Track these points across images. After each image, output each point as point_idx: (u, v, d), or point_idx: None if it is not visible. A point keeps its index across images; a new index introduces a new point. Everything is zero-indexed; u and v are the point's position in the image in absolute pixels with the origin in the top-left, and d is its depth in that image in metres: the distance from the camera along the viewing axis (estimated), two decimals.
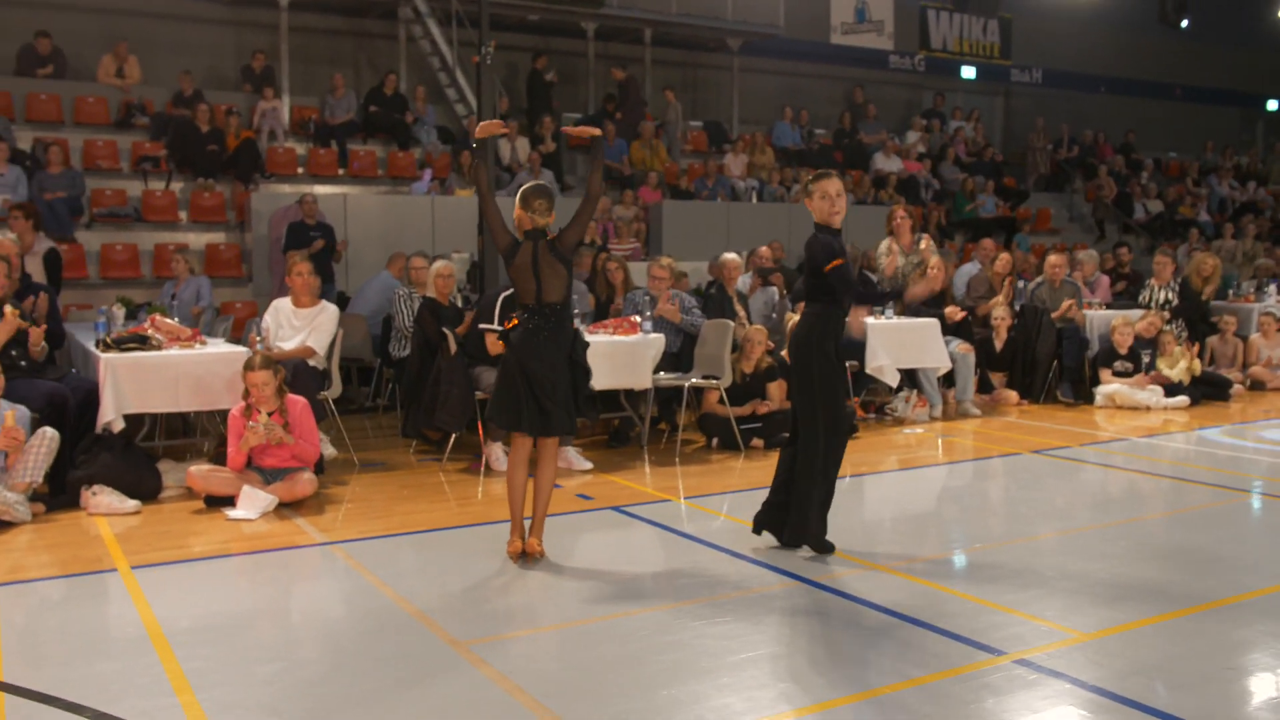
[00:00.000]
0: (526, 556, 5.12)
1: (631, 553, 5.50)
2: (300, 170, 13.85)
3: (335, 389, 7.55)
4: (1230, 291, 12.48)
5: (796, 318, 8.50)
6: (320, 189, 13.41)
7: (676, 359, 8.58)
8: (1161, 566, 5.10)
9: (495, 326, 7.29)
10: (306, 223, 11.47)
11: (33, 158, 12.16)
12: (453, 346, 7.31)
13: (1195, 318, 11.11)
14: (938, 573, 5.03)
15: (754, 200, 15.40)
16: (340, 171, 14.02)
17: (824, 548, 5.25)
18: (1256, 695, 3.61)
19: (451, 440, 7.47)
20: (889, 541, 5.70)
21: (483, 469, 7.30)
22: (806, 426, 5.23)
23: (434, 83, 15.36)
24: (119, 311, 8.52)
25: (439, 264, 8.28)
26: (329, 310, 7.49)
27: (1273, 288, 12.46)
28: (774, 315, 9.79)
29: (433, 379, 7.43)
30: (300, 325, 7.40)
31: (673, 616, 4.39)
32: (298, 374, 7.01)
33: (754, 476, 7.26)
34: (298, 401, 6.44)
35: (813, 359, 5.19)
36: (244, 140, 13.12)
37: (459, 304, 8.86)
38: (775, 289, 9.89)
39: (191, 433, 8.13)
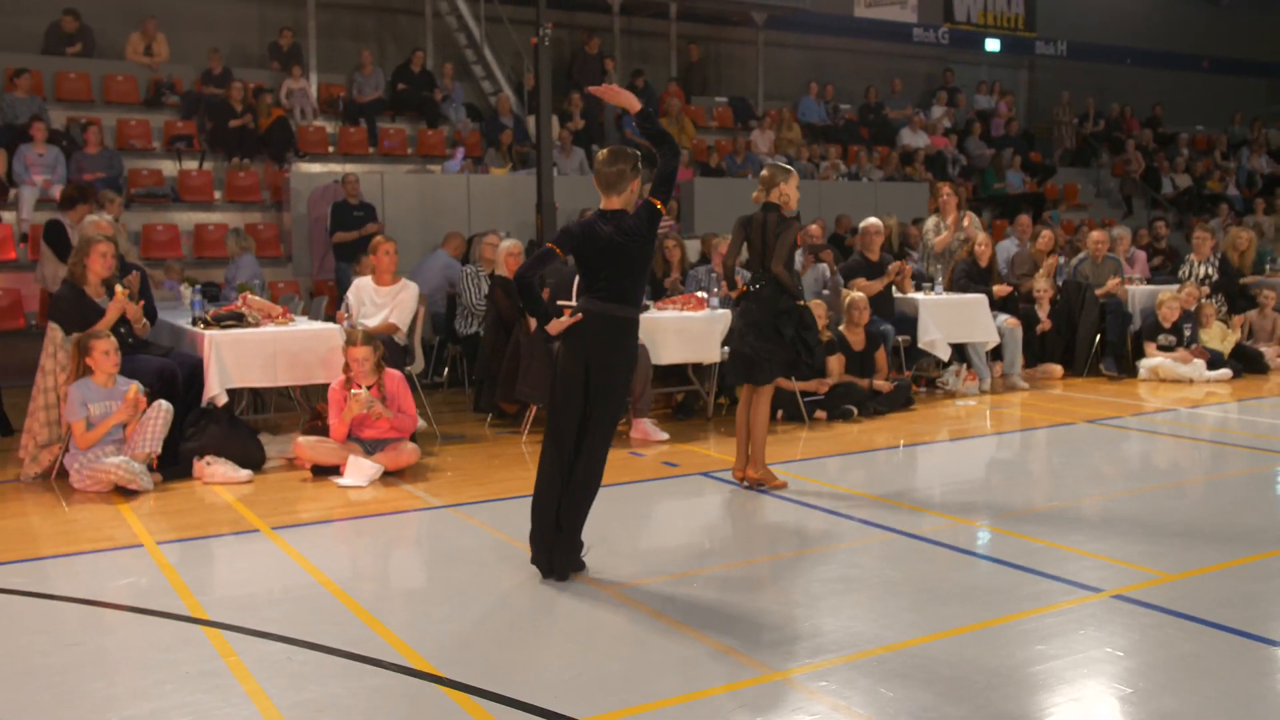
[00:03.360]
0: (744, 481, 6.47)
1: (733, 512, 6.16)
2: (331, 149, 14.42)
3: (418, 364, 8.16)
4: (1267, 266, 13.14)
5: (854, 294, 9.19)
6: (350, 168, 13.97)
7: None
8: (1229, 519, 5.76)
9: (573, 303, 7.90)
10: (349, 202, 12.05)
11: (68, 137, 12.70)
12: (532, 323, 7.91)
13: (1234, 292, 11.78)
14: (1020, 526, 5.68)
15: None
16: (370, 150, 14.59)
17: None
18: None
19: (531, 413, 8.08)
20: (969, 499, 6.36)
21: None
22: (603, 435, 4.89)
23: (460, 59, 15.91)
24: (186, 291, 9.16)
25: (508, 243, 8.88)
26: (410, 288, 8.10)
27: None
28: (825, 291, 10.41)
29: (510, 354, 8.05)
30: (382, 302, 8.01)
31: (785, 565, 5.05)
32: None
33: (821, 445, 7.93)
34: (394, 375, 7.06)
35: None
36: (276, 119, 13.67)
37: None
38: (826, 265, 10.52)
39: (264, 409, 8.76)
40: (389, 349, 7.68)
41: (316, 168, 13.98)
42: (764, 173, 6.54)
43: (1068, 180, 20.07)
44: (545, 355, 7.87)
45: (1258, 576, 4.82)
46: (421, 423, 8.02)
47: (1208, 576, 4.81)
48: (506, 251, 8.78)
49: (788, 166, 6.52)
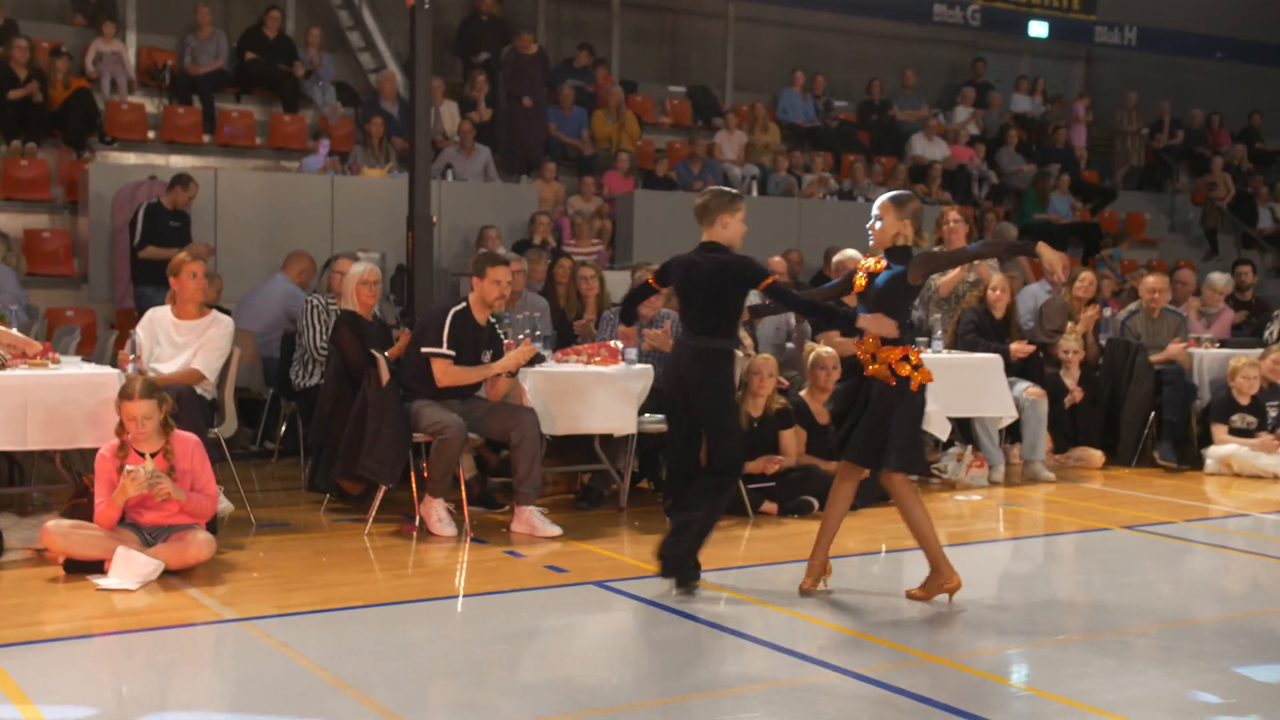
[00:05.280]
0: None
1: (621, 638, 6.12)
2: (151, 134, 14.37)
3: (229, 425, 8.06)
4: None
5: (820, 349, 9.21)
6: (178, 160, 13.88)
7: (661, 398, 9.17)
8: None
9: (445, 351, 7.82)
10: (165, 206, 11.89)
11: None
12: (384, 374, 7.83)
13: None
14: (1002, 667, 5.69)
15: (753, 192, 16.09)
16: (206, 139, 14.55)
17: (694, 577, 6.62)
18: None
19: (379, 495, 7.98)
20: (942, 630, 6.31)
21: (415, 532, 7.83)
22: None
23: (332, 24, 15.96)
24: None
25: (359, 268, 8.79)
26: (222, 323, 8.02)
27: None
28: (789, 344, 10.41)
29: (354, 415, 7.95)
30: (184, 342, 7.93)
31: (676, 711, 4.97)
32: (181, 405, 7.49)
33: (767, 548, 7.91)
34: (187, 440, 6.94)
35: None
36: (76, 91, 13.58)
37: (387, 320, 9.39)
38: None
39: (25, 480, 8.59)
40: (189, 405, 7.58)
41: (131, 158, 13.96)
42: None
43: (1132, 208, 20.35)
44: (398, 419, 7.80)
45: None
46: (229, 505, 7.92)
47: None
48: (359, 279, 8.69)
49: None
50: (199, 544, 6.78)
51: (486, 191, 14.53)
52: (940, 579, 6.54)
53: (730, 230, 6.54)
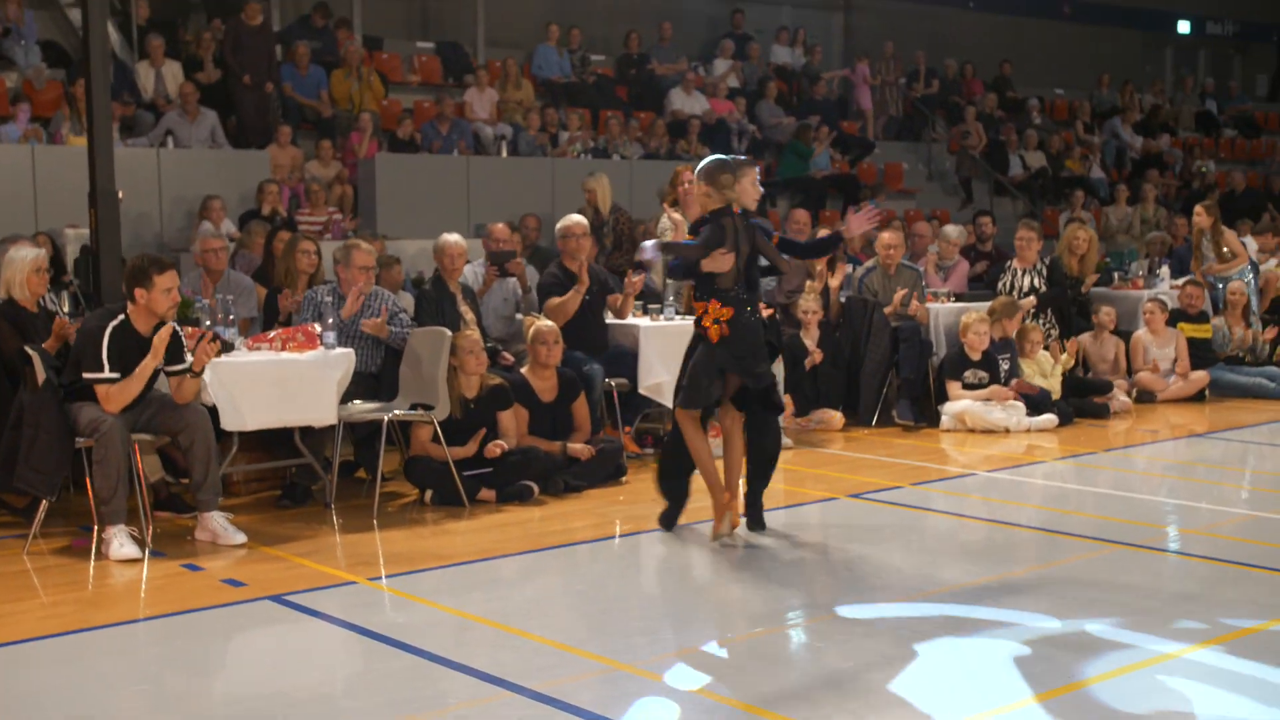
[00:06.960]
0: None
1: (294, 661, 5.61)
2: None
3: None
4: (1115, 274, 13.38)
5: (539, 322, 8.82)
6: None
7: (376, 382, 8.64)
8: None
9: (106, 375, 7.08)
10: None
11: None
12: (40, 372, 7.12)
13: (1067, 309, 11.90)
14: (700, 671, 5.31)
15: (503, 153, 15.59)
16: None
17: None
18: None
19: (43, 508, 7.29)
20: (641, 632, 5.93)
21: (93, 547, 7.16)
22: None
23: None
24: None
25: (29, 252, 8.12)
26: None
27: (1165, 269, 13.44)
28: (518, 315, 9.96)
29: (13, 420, 7.25)
30: None
31: None
32: None
33: (481, 541, 7.46)
34: None
35: None
36: None
37: (62, 309, 8.64)
38: (515, 281, 10.07)
39: None
40: None
41: None
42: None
43: (890, 158, 20.40)
44: (55, 423, 7.11)
45: None
46: None
47: None
48: (31, 266, 7.97)
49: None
50: None
51: (213, 159, 13.78)
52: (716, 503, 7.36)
53: (735, 193, 7.12)
